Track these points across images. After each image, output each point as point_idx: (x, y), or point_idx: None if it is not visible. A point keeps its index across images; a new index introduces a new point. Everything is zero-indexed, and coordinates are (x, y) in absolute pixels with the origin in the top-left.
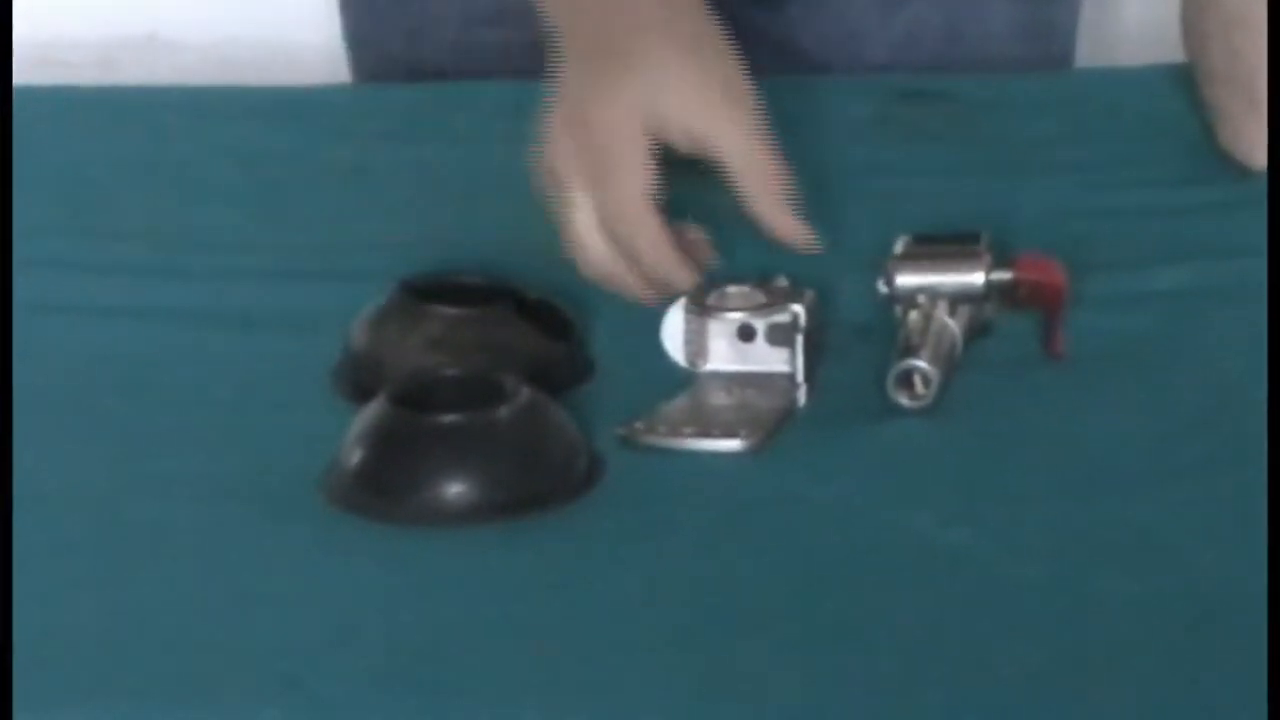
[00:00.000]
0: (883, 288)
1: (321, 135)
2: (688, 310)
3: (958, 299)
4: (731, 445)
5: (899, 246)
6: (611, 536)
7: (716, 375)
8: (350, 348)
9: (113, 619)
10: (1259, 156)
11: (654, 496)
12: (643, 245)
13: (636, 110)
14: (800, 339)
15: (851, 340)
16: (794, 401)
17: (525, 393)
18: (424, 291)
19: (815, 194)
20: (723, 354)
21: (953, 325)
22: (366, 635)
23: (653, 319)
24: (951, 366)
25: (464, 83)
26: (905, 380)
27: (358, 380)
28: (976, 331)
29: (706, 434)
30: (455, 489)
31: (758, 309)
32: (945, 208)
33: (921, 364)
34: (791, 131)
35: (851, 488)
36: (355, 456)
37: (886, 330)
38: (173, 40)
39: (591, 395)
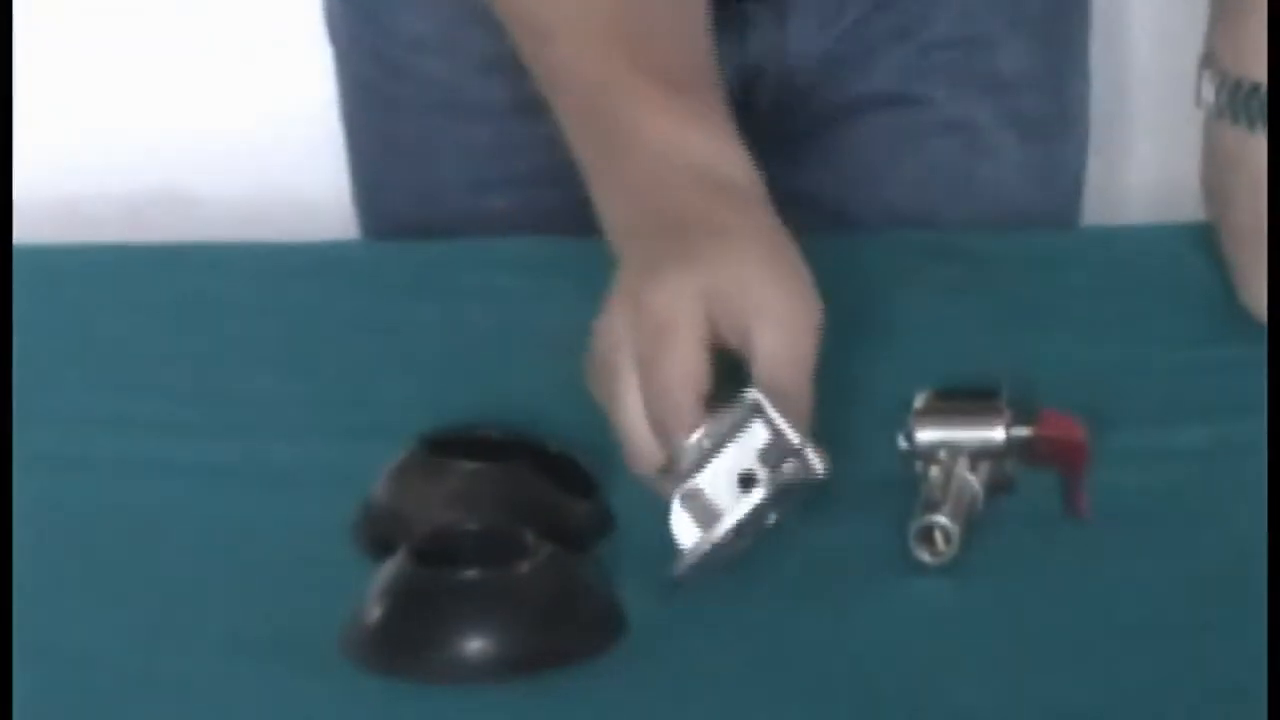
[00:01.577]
0: (903, 443)
1: (341, 290)
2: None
3: (978, 455)
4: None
5: (919, 401)
6: (636, 693)
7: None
8: (370, 502)
9: None
10: (1267, 312)
11: (678, 651)
12: (677, 430)
13: (699, 296)
14: (771, 410)
15: (874, 495)
16: (812, 470)
17: (546, 548)
18: (444, 446)
19: (839, 348)
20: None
21: (973, 481)
22: None
23: None
24: (971, 522)
25: (478, 239)
26: (926, 536)
27: (378, 535)
28: (998, 488)
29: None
30: (477, 645)
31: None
32: (968, 362)
33: (943, 520)
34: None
35: (874, 643)
36: (376, 613)
37: (907, 485)
38: (191, 196)
39: (613, 550)
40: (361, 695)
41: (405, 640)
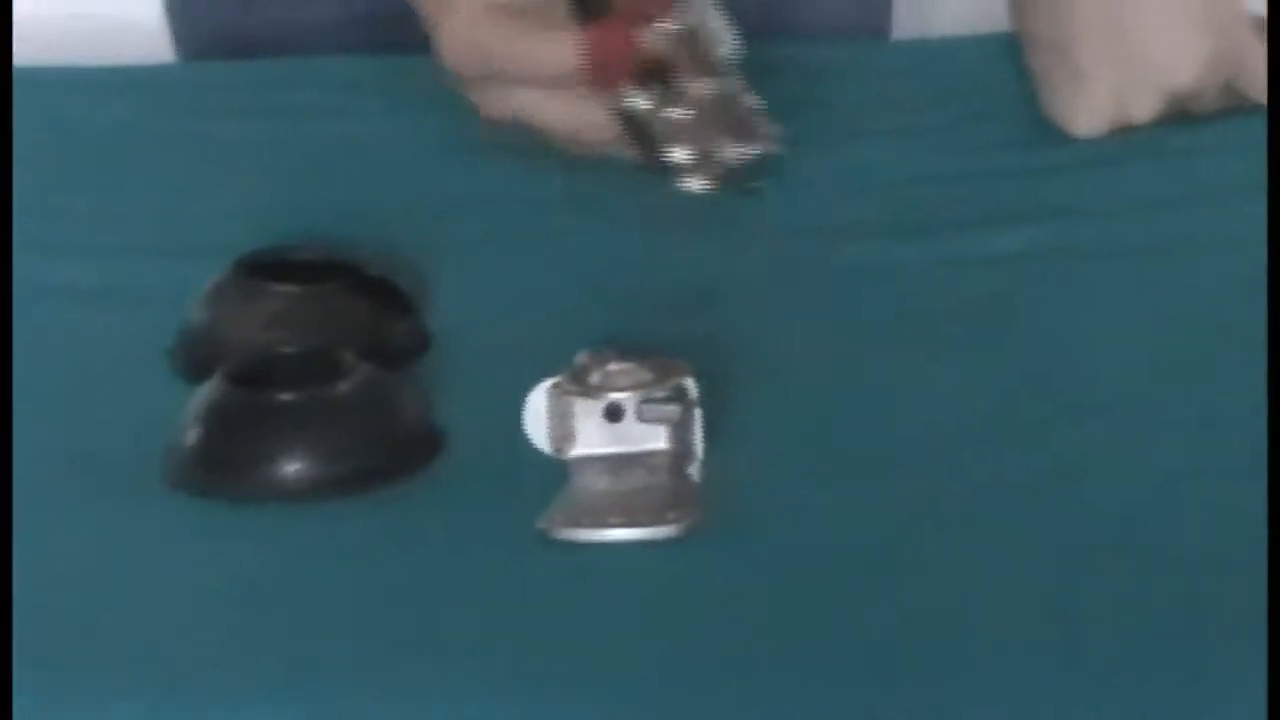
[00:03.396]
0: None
1: (153, 111)
2: (553, 392)
3: None
4: (665, 531)
5: None
6: (454, 510)
7: (589, 460)
8: (187, 326)
9: None
10: (1081, 123)
11: (494, 468)
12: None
13: None
14: (697, 411)
15: None
16: (693, 480)
17: (364, 368)
18: (261, 268)
19: None
20: (590, 437)
21: None
22: (213, 612)
23: (493, 293)
24: None
25: (295, 58)
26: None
27: (195, 359)
28: None
29: (634, 521)
30: (295, 465)
31: (639, 386)
32: (792, 178)
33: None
34: None
35: None
36: (193, 435)
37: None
38: None
39: (430, 368)
40: (180, 519)
41: (223, 462)
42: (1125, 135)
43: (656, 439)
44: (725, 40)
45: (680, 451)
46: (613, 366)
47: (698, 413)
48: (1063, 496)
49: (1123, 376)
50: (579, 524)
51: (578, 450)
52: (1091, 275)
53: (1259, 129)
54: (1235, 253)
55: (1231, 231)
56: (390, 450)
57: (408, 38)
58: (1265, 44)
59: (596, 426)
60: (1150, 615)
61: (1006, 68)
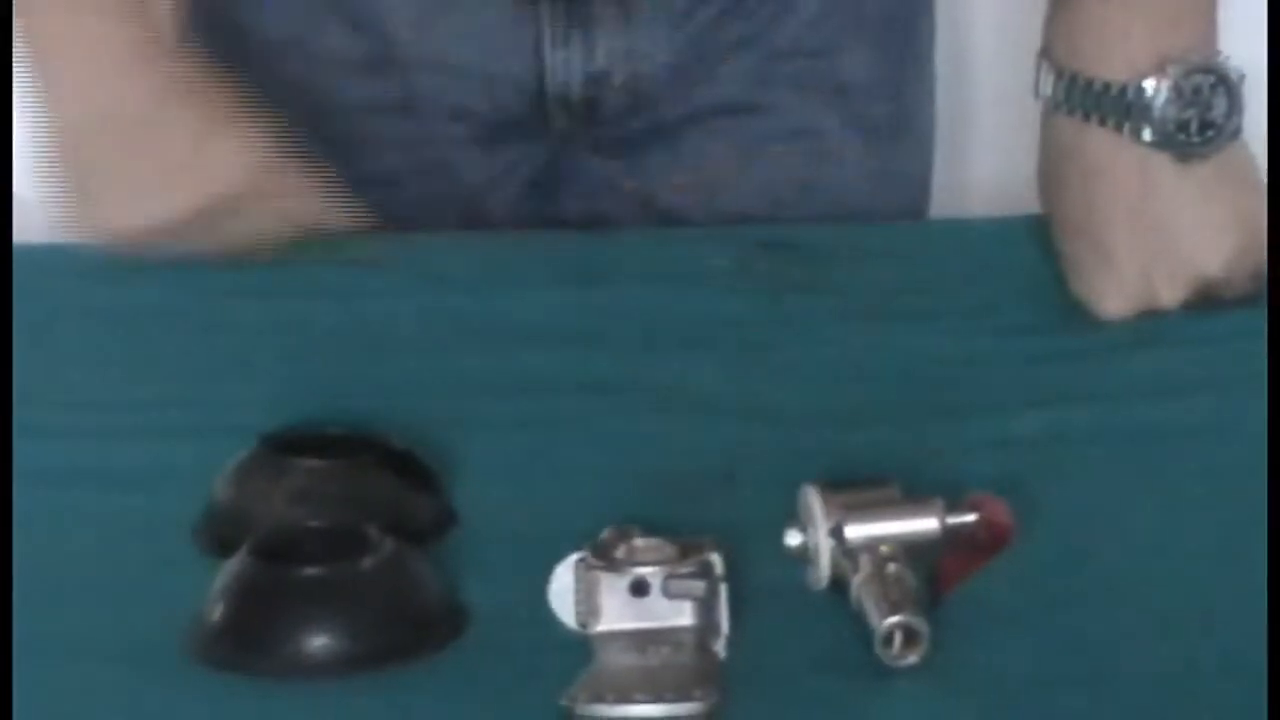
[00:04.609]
0: (792, 540)
1: (175, 291)
2: (579, 567)
3: (912, 547)
4: (691, 708)
5: (812, 498)
6: (477, 687)
7: (614, 635)
8: (213, 503)
9: None
10: (1109, 306)
11: (520, 646)
12: None
13: None
14: (723, 588)
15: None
16: (717, 656)
17: (388, 544)
18: (286, 445)
19: (684, 349)
20: (615, 612)
21: (911, 575)
22: None
23: (516, 471)
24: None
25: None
26: (904, 638)
27: (221, 535)
28: None
29: (659, 697)
30: (320, 641)
31: (665, 562)
32: (819, 363)
33: (913, 619)
34: (656, 284)
35: None
36: (218, 611)
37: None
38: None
39: (455, 545)
40: (205, 695)
41: (248, 637)
42: (1153, 319)
43: (682, 615)
44: None
45: (706, 627)
46: (638, 542)
47: (723, 588)
48: (1080, 679)
49: (1137, 564)
50: (603, 700)
51: (603, 625)
52: (1110, 460)
53: None
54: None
55: (1258, 420)
56: (414, 627)
57: (435, 222)
58: None
59: (622, 602)
60: None
61: (1036, 250)
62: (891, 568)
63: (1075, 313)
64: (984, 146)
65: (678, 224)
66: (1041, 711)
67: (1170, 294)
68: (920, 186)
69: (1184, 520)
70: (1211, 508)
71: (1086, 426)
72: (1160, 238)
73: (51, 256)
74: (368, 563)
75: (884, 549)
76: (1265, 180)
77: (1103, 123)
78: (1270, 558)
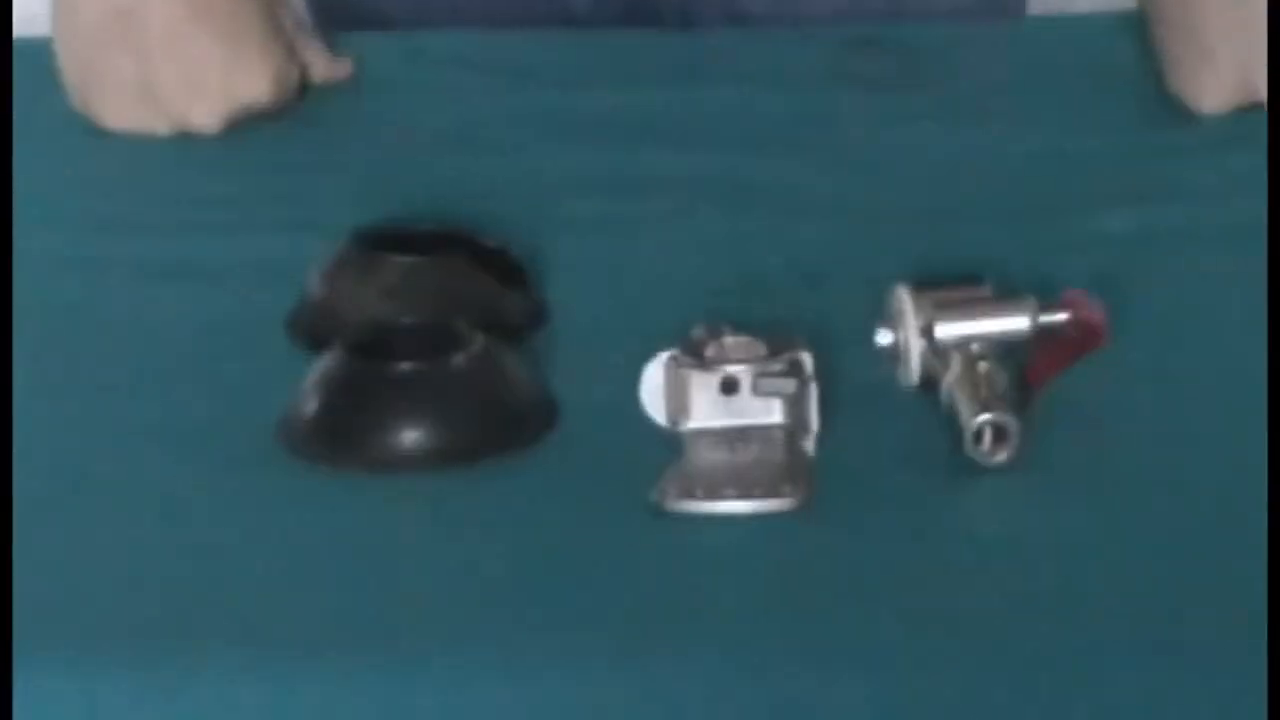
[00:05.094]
0: (883, 339)
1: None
2: (669, 365)
3: (1003, 346)
4: (780, 504)
5: (903, 297)
6: (567, 482)
7: (704, 432)
8: (305, 298)
9: (70, 569)
10: (1207, 101)
11: (610, 441)
12: None
13: None
14: (813, 386)
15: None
16: (806, 454)
17: (480, 340)
18: (378, 241)
19: (777, 148)
20: (705, 410)
21: (1004, 374)
22: (325, 582)
23: (608, 269)
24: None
25: (410, 34)
26: (995, 435)
27: (314, 330)
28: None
29: (749, 494)
30: (411, 436)
31: (754, 360)
32: (903, 159)
33: (1005, 416)
34: (745, 84)
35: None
36: (311, 405)
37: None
38: None
39: (546, 342)
40: (297, 486)
41: (340, 432)
42: (1251, 114)
43: (771, 413)
44: None
45: (795, 426)
46: (728, 340)
47: (813, 387)
48: (1171, 480)
49: (1229, 364)
50: (693, 495)
51: (693, 423)
52: (1204, 258)
53: None
54: None
55: None
56: (505, 422)
57: (529, 17)
58: None
59: (712, 400)
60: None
61: (1133, 45)
62: (982, 366)
63: (1173, 109)
64: None
65: (765, 28)
66: (1133, 511)
67: (1270, 87)
68: None
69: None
70: None
71: (1182, 225)
72: (1257, 30)
73: None
74: (459, 359)
75: (974, 347)
76: None
77: None
78: None
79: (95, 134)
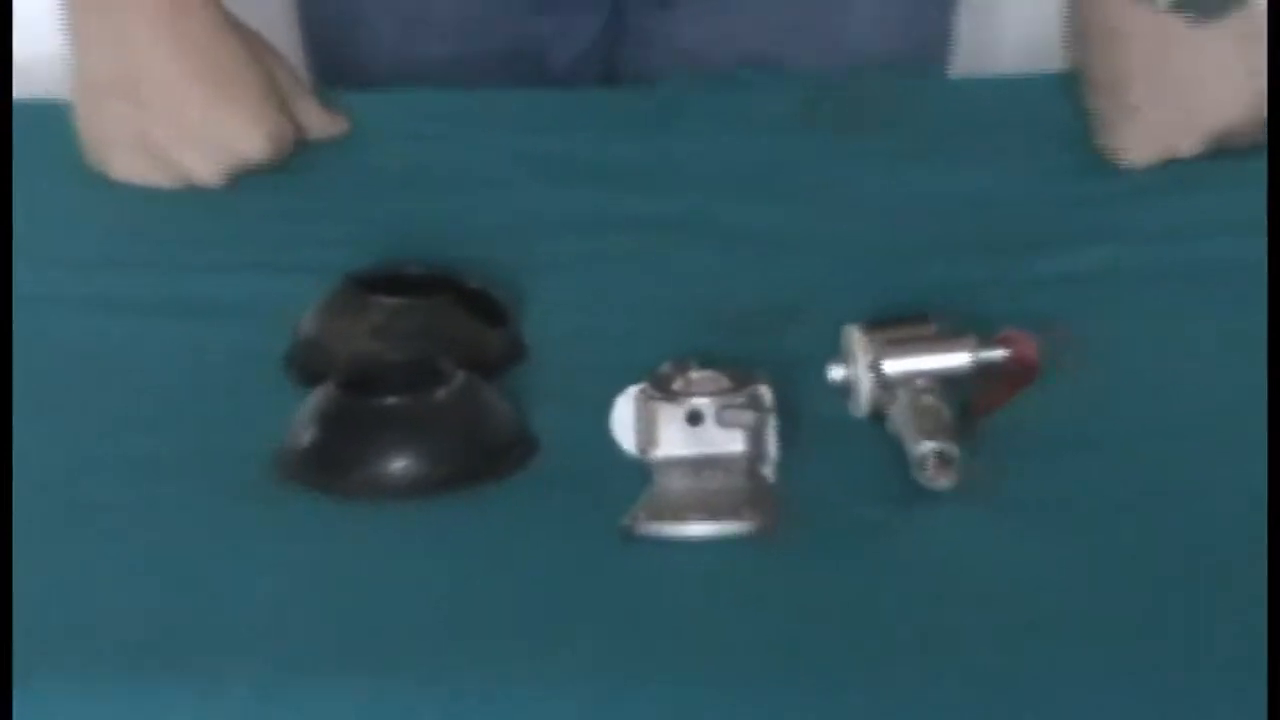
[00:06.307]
0: (835, 374)
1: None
2: (639, 398)
3: (945, 380)
4: (741, 528)
5: (856, 335)
6: (543, 510)
7: (671, 461)
8: (300, 336)
9: (68, 592)
10: (1131, 155)
11: (584, 471)
12: None
13: None
14: (772, 418)
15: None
16: (767, 480)
17: (461, 376)
18: (368, 283)
19: (744, 189)
20: (672, 440)
21: (945, 406)
22: (316, 603)
23: (582, 308)
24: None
25: (399, 91)
26: (937, 463)
27: (307, 366)
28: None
29: (714, 518)
30: (397, 465)
31: (718, 393)
32: (862, 202)
33: (947, 445)
34: (710, 132)
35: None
36: (305, 437)
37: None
38: None
39: (524, 377)
40: (291, 513)
41: (331, 461)
42: (1171, 166)
43: (734, 442)
44: None
45: (756, 454)
46: (694, 375)
47: (772, 418)
48: (1110, 504)
49: (1159, 398)
50: (661, 519)
51: (660, 452)
52: (1133, 296)
53: None
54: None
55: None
56: (485, 453)
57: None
58: None
59: (678, 430)
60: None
61: (1066, 104)
62: (926, 399)
63: (1102, 162)
64: (1013, 6)
65: (692, 65)
66: (1075, 533)
67: (1188, 144)
68: (940, 38)
69: (1198, 352)
70: (1227, 345)
71: (1111, 267)
72: (1178, 93)
73: None
74: (442, 393)
75: (919, 382)
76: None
77: None
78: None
79: (105, 184)
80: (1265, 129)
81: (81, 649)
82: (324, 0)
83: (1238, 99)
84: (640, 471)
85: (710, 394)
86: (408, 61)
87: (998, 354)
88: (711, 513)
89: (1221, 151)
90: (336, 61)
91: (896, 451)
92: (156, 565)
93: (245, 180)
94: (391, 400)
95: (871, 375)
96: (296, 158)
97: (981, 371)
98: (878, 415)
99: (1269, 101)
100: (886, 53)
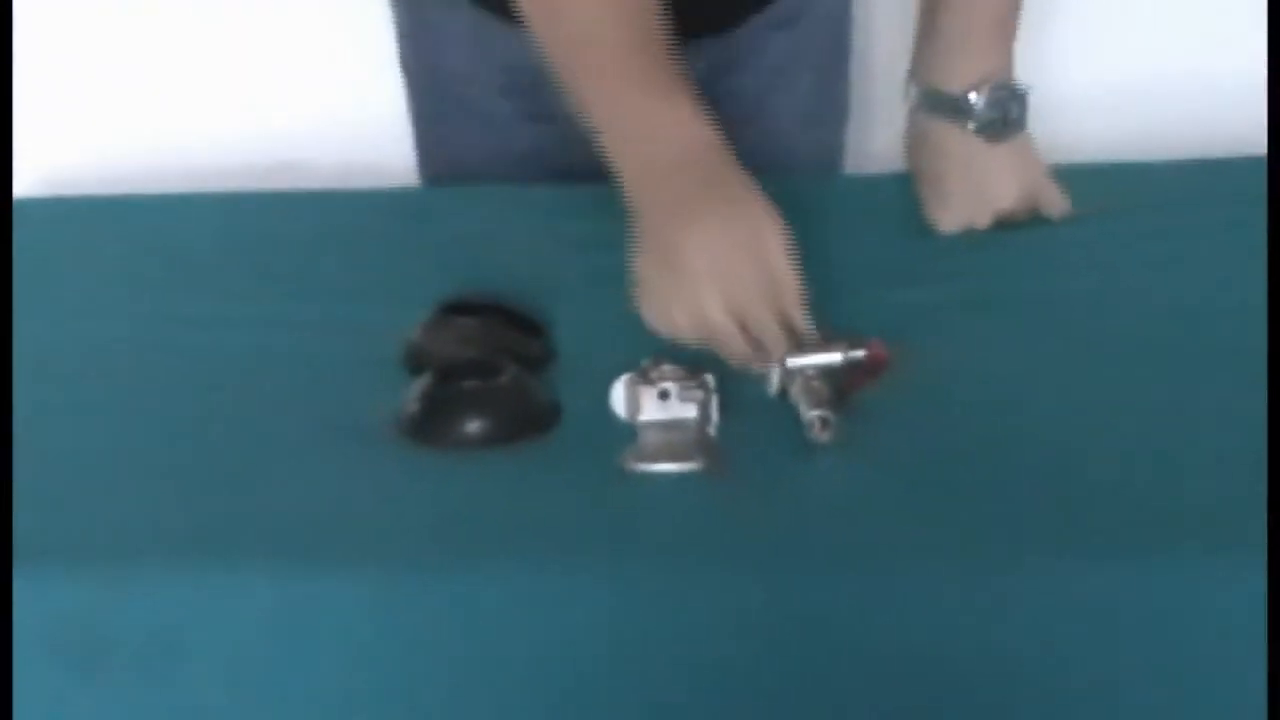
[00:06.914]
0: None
1: (385, 218)
2: (628, 383)
3: (827, 370)
4: (696, 465)
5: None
6: (570, 460)
7: (649, 423)
8: (410, 342)
9: (252, 500)
10: (945, 226)
11: (600, 437)
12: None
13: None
14: (715, 396)
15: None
16: (711, 435)
17: (513, 369)
18: (454, 309)
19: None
20: (650, 410)
21: (826, 387)
22: (421, 514)
23: (592, 328)
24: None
25: (487, 185)
26: (820, 425)
27: (415, 363)
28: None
29: (678, 460)
30: (472, 427)
31: (680, 380)
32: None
33: (827, 412)
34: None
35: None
36: (413, 409)
37: (759, 393)
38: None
39: (555, 371)
40: (404, 458)
41: (430, 425)
42: (970, 234)
43: (690, 411)
44: None
45: (705, 419)
46: (665, 368)
47: (715, 397)
48: (951, 455)
49: (977, 383)
50: (643, 461)
51: (642, 417)
52: (951, 317)
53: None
54: (1052, 306)
55: (1035, 297)
56: (529, 420)
57: (542, 172)
58: (1054, 183)
59: (654, 403)
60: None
61: (907, 191)
62: (814, 383)
63: (928, 229)
64: (882, 127)
65: None
66: (917, 473)
67: (982, 219)
68: (835, 152)
69: (995, 353)
70: (1014, 347)
71: (940, 300)
72: (977, 187)
73: (316, 200)
74: (502, 380)
75: (809, 371)
76: (1040, 154)
77: (945, 118)
78: None
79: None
80: (1030, 212)
81: (264, 542)
82: (438, 140)
83: (1014, 192)
84: (629, 431)
85: (675, 380)
86: (471, 159)
87: (860, 354)
88: (676, 457)
89: (1002, 225)
90: (438, 160)
91: (795, 417)
92: (313, 490)
93: (373, 239)
94: (469, 384)
95: (779, 367)
96: (402, 234)
97: (849, 365)
98: (783, 393)
99: (1269, 102)
100: (798, 160)
